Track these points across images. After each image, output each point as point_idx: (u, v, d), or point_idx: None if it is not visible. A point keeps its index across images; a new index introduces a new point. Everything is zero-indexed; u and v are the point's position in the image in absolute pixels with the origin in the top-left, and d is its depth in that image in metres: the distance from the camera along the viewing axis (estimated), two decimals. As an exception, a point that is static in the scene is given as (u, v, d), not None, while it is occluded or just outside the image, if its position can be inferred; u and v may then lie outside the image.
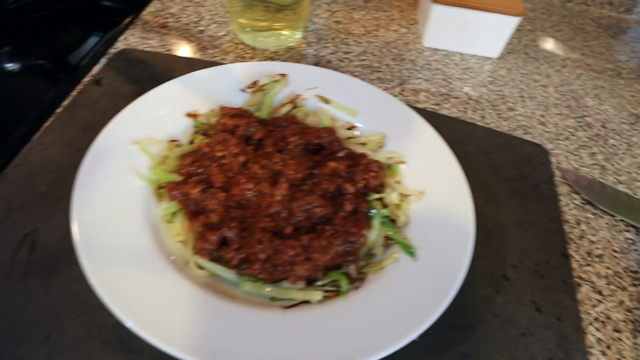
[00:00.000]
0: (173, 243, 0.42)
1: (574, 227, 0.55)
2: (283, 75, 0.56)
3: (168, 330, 0.35)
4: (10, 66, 0.71)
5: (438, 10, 0.73)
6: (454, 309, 0.40)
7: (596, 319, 0.46)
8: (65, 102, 0.58)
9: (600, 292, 0.49)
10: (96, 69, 0.64)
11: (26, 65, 0.70)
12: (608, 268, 0.51)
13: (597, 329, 0.46)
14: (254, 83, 0.55)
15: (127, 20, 0.74)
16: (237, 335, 0.36)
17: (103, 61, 0.65)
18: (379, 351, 0.35)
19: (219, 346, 0.35)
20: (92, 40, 0.75)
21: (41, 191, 0.49)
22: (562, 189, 0.59)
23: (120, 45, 0.68)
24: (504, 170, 0.59)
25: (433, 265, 0.42)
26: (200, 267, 0.41)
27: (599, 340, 0.45)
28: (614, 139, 0.68)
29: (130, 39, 0.69)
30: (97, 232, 0.39)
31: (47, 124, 0.56)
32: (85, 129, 0.55)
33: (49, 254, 0.44)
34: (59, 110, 0.57)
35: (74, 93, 0.60)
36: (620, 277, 0.51)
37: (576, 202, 0.58)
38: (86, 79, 0.62)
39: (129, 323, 0.34)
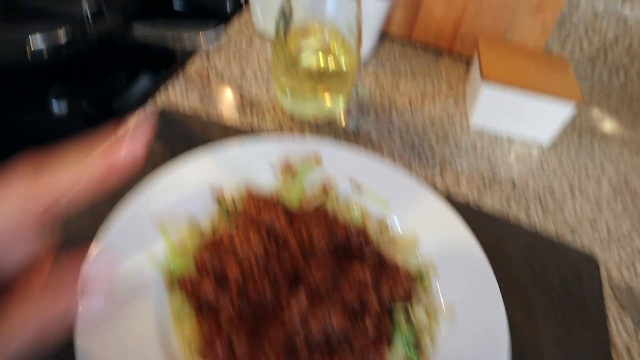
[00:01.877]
0: (180, 345, 0.39)
1: (623, 356, 0.49)
2: (317, 158, 0.53)
3: None
4: (56, 104, 0.71)
5: (488, 90, 0.69)
6: None
7: None
8: (96, 159, 0.57)
9: None
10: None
11: (72, 106, 0.71)
12: (660, 410, 0.46)
13: None
14: (287, 165, 0.52)
15: (172, 71, 0.74)
16: None
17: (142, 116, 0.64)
18: None
19: None
20: (138, 86, 0.75)
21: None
22: (613, 307, 0.54)
23: (161, 97, 0.67)
24: (546, 281, 0.54)
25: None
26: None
27: None
28: (674, 249, 0.62)
29: (171, 92, 0.69)
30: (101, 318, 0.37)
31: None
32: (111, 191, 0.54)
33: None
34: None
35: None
36: None
37: (628, 325, 0.52)
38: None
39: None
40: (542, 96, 0.68)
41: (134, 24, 0.60)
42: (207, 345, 0.38)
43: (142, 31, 0.58)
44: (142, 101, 0.68)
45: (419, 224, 0.50)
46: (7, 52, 0.67)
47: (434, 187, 0.61)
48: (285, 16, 0.61)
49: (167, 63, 0.75)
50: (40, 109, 0.69)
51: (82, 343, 0.35)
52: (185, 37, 0.52)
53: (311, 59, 0.65)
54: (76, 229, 0.49)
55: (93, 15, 0.61)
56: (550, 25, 0.82)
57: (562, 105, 0.68)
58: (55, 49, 0.64)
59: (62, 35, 0.63)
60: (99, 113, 0.73)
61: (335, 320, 0.39)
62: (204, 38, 0.51)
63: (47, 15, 0.68)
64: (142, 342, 0.38)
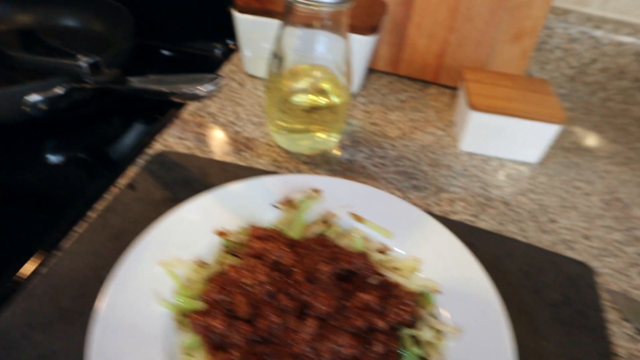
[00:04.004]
0: (191, 381, 0.40)
1: (627, 365, 0.50)
2: (317, 191, 0.55)
3: None
4: (53, 159, 0.73)
5: (476, 117, 0.72)
6: None
7: None
8: (99, 207, 0.59)
9: None
10: (132, 170, 0.64)
11: (68, 158, 0.73)
12: (668, 417, 0.46)
13: None
14: (287, 200, 0.54)
15: (168, 116, 0.76)
16: None
17: (140, 162, 0.66)
18: None
19: None
20: (133, 134, 0.77)
21: (64, 307, 0.48)
22: (611, 315, 0.55)
23: (157, 144, 0.69)
24: (546, 294, 0.55)
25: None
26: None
27: None
28: (667, 256, 0.63)
29: (167, 138, 0.71)
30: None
31: (79, 230, 0.56)
32: (114, 238, 0.54)
33: (64, 382, 0.42)
34: (91, 213, 0.58)
35: (109, 197, 0.60)
36: None
37: (628, 331, 0.53)
38: (121, 180, 0.62)
39: None
40: (528, 120, 0.71)
41: (128, 78, 0.62)
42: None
43: (139, 84, 0.60)
44: (139, 148, 0.70)
45: (420, 249, 0.52)
46: (2, 108, 0.68)
47: (430, 211, 0.62)
48: (277, 58, 0.64)
49: (161, 110, 0.78)
50: (36, 160, 0.71)
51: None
52: (184, 90, 0.54)
53: (303, 97, 0.68)
54: (83, 274, 0.50)
55: (91, 69, 0.64)
56: (529, 52, 0.85)
57: (548, 126, 0.71)
58: (52, 102, 0.66)
59: (59, 90, 0.65)
60: (96, 162, 0.75)
61: (345, 342, 0.40)
62: (202, 91, 0.53)
63: (44, 71, 0.70)
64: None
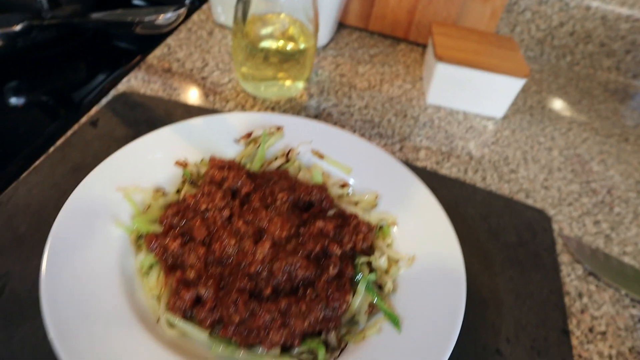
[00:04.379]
0: (146, 298, 0.40)
1: (576, 300, 0.52)
2: (278, 128, 0.55)
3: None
4: (14, 100, 0.71)
5: (442, 69, 0.72)
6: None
7: (595, 406, 0.43)
8: (59, 142, 0.58)
9: (600, 375, 0.46)
10: (94, 109, 0.63)
11: (30, 100, 0.71)
12: (611, 347, 0.48)
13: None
14: (248, 134, 0.54)
15: (134, 61, 0.74)
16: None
17: (103, 102, 0.65)
18: None
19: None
20: (98, 80, 0.75)
21: (20, 233, 0.47)
22: (564, 258, 0.57)
23: (122, 87, 0.68)
24: (503, 236, 0.57)
25: (419, 338, 0.39)
26: (172, 326, 0.39)
27: None
28: (619, 207, 0.66)
29: (133, 82, 0.69)
30: (66, 280, 0.38)
31: (37, 162, 0.55)
32: (74, 171, 0.54)
33: (17, 301, 0.42)
34: (51, 149, 0.57)
35: (68, 133, 0.59)
36: (625, 359, 0.47)
37: (579, 272, 0.55)
38: (83, 119, 0.61)
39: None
40: (493, 73, 0.72)
41: (91, 13, 0.61)
42: (173, 295, 0.39)
43: (100, 17, 0.58)
44: (103, 89, 0.68)
45: (379, 184, 0.52)
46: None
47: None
48: (242, 2, 0.63)
49: (127, 57, 0.76)
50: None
51: (48, 300, 0.36)
52: (145, 19, 0.53)
53: (270, 43, 0.67)
54: (41, 203, 0.50)
55: (49, 3, 0.62)
56: (499, 11, 0.86)
57: (512, 80, 0.72)
58: (9, 38, 0.63)
59: (16, 23, 0.63)
60: (58, 105, 0.73)
61: (299, 262, 0.40)
62: (163, 19, 0.52)
63: (1, 7, 0.68)
64: (109, 296, 0.38)
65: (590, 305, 0.52)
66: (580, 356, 0.47)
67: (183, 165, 0.50)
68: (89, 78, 0.75)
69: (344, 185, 0.52)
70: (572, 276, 0.55)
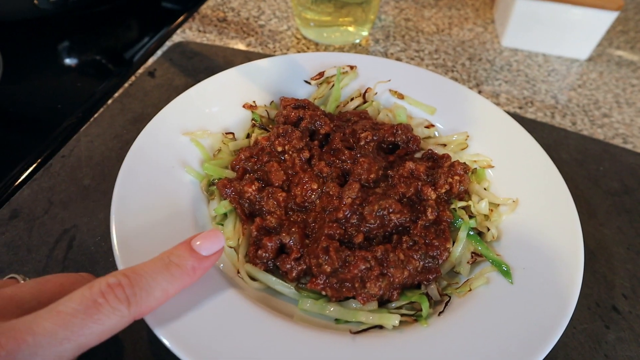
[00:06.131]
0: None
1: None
2: (352, 67, 0.50)
3: (209, 350, 0.29)
4: (68, 61, 0.68)
5: (523, 5, 0.65)
6: (553, 347, 0.31)
7: None
8: (117, 94, 0.55)
9: None
10: (150, 61, 0.60)
11: (83, 60, 0.68)
12: None
13: None
14: (320, 74, 0.49)
15: (184, 15, 0.70)
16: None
17: (158, 53, 0.61)
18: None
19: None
20: (150, 34, 0.72)
21: (85, 185, 0.45)
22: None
23: (177, 38, 0.64)
24: (604, 183, 0.51)
25: (534, 290, 0.34)
26: (253, 278, 0.35)
27: None
28: None
29: (188, 33, 0.66)
30: (137, 233, 0.34)
31: (96, 115, 0.52)
32: (135, 121, 0.51)
33: (87, 254, 0.39)
34: (109, 101, 0.54)
35: (126, 85, 0.56)
36: None
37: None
38: (140, 70, 0.58)
39: (166, 340, 0.29)
40: (581, 6, 0.64)
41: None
42: (253, 245, 0.35)
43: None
44: (158, 41, 0.65)
45: (468, 124, 0.46)
46: (14, 5, 0.64)
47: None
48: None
49: (174, 15, 0.72)
50: (51, 62, 0.66)
51: (120, 252, 0.33)
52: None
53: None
54: (103, 154, 0.47)
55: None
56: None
57: (602, 13, 0.64)
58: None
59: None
60: (111, 63, 0.70)
61: (392, 206, 0.35)
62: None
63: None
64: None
65: None
66: None
67: (252, 107, 0.46)
68: (140, 36, 0.72)
69: (430, 126, 0.47)
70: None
